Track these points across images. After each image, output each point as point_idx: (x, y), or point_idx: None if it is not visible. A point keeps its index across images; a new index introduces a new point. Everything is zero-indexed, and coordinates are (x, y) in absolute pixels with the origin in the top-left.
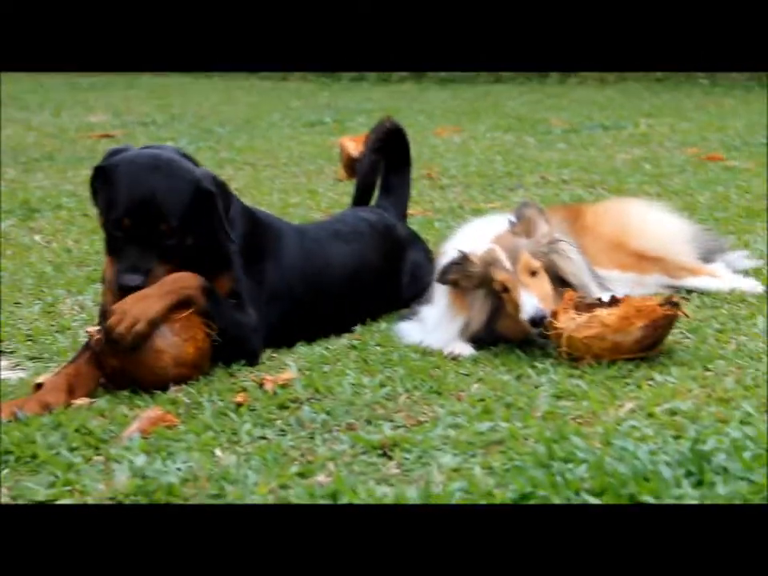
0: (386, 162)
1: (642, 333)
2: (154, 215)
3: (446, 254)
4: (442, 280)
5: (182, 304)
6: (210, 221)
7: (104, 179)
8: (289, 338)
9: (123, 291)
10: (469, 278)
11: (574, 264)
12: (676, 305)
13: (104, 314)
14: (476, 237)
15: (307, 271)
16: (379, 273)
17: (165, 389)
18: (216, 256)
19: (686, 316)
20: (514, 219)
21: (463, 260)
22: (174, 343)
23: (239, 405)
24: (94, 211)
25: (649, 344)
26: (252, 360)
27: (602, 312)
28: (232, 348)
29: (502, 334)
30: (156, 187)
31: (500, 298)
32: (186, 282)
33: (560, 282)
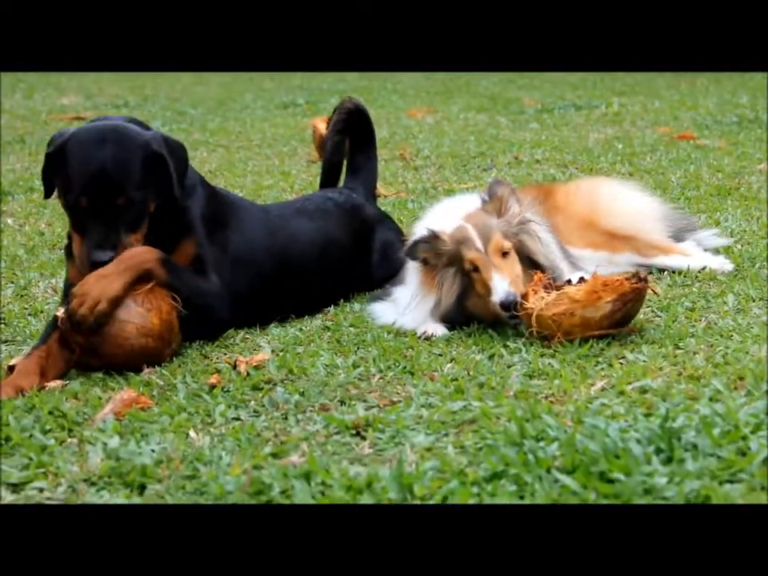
0: (351, 142)
1: (611, 307)
2: (110, 189)
3: (419, 229)
4: (411, 255)
5: (142, 279)
6: (168, 183)
7: (56, 163)
8: (257, 312)
9: (95, 267)
10: (438, 255)
11: (544, 245)
12: (644, 279)
13: (68, 291)
14: (446, 215)
15: (271, 244)
16: (347, 251)
17: (137, 368)
18: (178, 222)
19: (655, 293)
20: (485, 197)
21: (432, 238)
22: (137, 313)
23: (213, 386)
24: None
25: (619, 319)
26: (220, 326)
27: (569, 288)
28: (199, 316)
29: (471, 312)
30: (106, 160)
31: (470, 277)
32: (143, 256)
33: (530, 262)
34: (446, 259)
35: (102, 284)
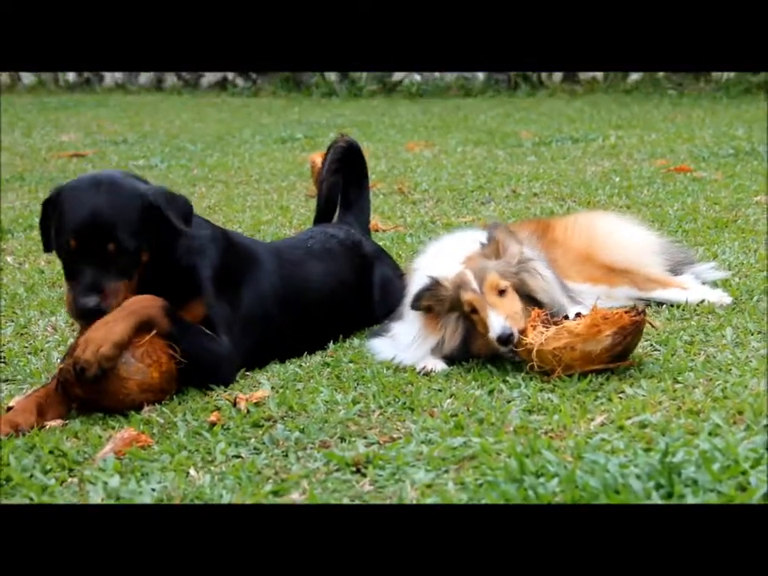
0: (345, 178)
1: (612, 340)
2: (99, 233)
3: (418, 272)
4: (416, 306)
5: (144, 326)
6: (166, 236)
7: (50, 211)
8: (264, 359)
9: (82, 314)
10: (441, 302)
11: (544, 282)
12: (643, 312)
13: (72, 348)
14: (446, 256)
15: (284, 294)
16: (351, 290)
17: (138, 410)
18: (186, 281)
19: (653, 326)
20: (484, 241)
21: (434, 285)
22: (138, 370)
23: (213, 424)
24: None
25: (619, 352)
26: (224, 384)
27: (569, 323)
28: (202, 374)
29: (476, 353)
30: (98, 204)
31: (471, 319)
32: (146, 302)
33: (531, 300)
34: (448, 305)
35: (104, 329)
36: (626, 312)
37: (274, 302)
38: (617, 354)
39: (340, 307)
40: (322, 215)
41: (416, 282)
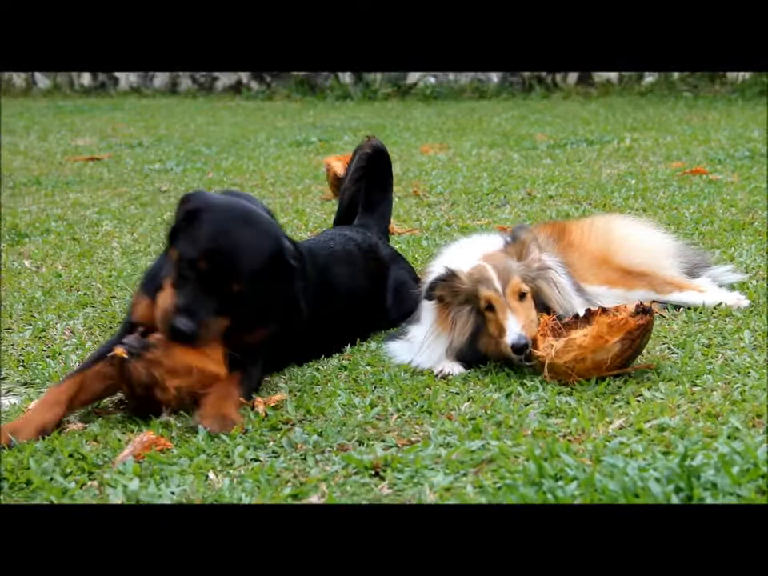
0: (369, 180)
1: (620, 346)
2: (229, 271)
3: (434, 271)
4: (428, 296)
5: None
6: (279, 291)
7: (190, 219)
8: (285, 364)
9: (172, 332)
10: (455, 293)
11: (560, 291)
12: (648, 311)
13: (127, 326)
14: (464, 254)
15: (319, 307)
16: (366, 294)
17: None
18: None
19: (662, 316)
20: (508, 239)
21: (450, 276)
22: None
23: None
24: (167, 243)
25: (630, 355)
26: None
27: (576, 335)
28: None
29: (483, 351)
30: (240, 244)
31: (484, 316)
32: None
33: (544, 308)
34: (462, 297)
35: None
36: (631, 316)
37: (313, 315)
38: (629, 356)
39: (356, 311)
40: (344, 215)
41: (432, 274)
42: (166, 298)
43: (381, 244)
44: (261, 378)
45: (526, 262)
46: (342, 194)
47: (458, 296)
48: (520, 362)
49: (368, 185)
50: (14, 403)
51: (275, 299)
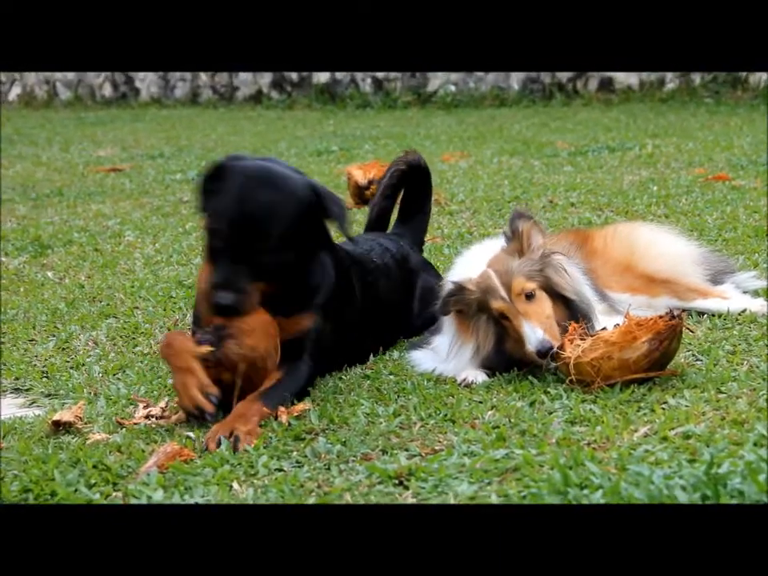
0: (407, 193)
1: (648, 346)
2: (257, 232)
3: (446, 283)
4: (442, 312)
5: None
6: (314, 235)
7: (217, 181)
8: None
9: (218, 309)
10: (468, 305)
11: (569, 277)
12: (678, 316)
13: (197, 321)
14: (474, 262)
15: (360, 313)
16: (398, 303)
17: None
18: (307, 297)
19: (691, 331)
20: (507, 233)
21: (458, 289)
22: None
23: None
24: (195, 213)
25: (657, 358)
26: (306, 392)
27: (604, 332)
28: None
29: (511, 355)
30: (263, 204)
31: (501, 323)
32: (256, 410)
33: (558, 296)
34: (475, 307)
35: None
36: (660, 317)
37: (356, 318)
38: (655, 360)
39: (389, 320)
40: (375, 223)
41: (443, 288)
42: (205, 274)
43: (412, 253)
44: (310, 379)
45: (529, 256)
46: (371, 208)
47: (471, 307)
48: (547, 365)
49: (405, 198)
50: (38, 414)
51: (309, 243)
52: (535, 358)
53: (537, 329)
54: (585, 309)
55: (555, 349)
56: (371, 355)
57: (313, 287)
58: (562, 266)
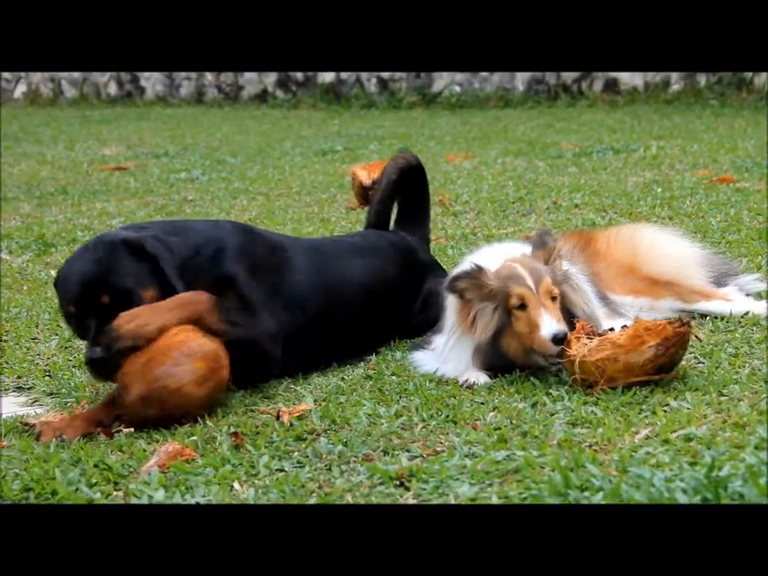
0: (403, 195)
1: (655, 351)
2: (90, 290)
3: (465, 263)
4: (451, 287)
5: (191, 321)
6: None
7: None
8: (305, 353)
9: (92, 366)
10: (479, 288)
11: (585, 297)
12: (687, 323)
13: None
14: (489, 258)
15: (318, 282)
16: (398, 292)
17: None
18: (218, 286)
19: (698, 338)
20: (535, 244)
21: (477, 271)
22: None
23: (236, 446)
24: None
25: (663, 363)
26: (272, 365)
27: (612, 334)
28: (252, 358)
29: (504, 351)
30: (84, 265)
31: (509, 314)
32: (198, 299)
33: (567, 313)
34: (486, 293)
35: (154, 311)
36: (669, 323)
37: (309, 290)
38: (660, 365)
39: (382, 306)
40: (375, 223)
41: (458, 268)
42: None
43: (420, 249)
44: (262, 324)
45: (553, 267)
46: (370, 211)
47: (482, 291)
48: (550, 360)
49: (403, 199)
50: (40, 413)
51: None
52: (545, 346)
53: (554, 318)
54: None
55: (568, 334)
56: (376, 342)
57: (223, 282)
58: (579, 286)
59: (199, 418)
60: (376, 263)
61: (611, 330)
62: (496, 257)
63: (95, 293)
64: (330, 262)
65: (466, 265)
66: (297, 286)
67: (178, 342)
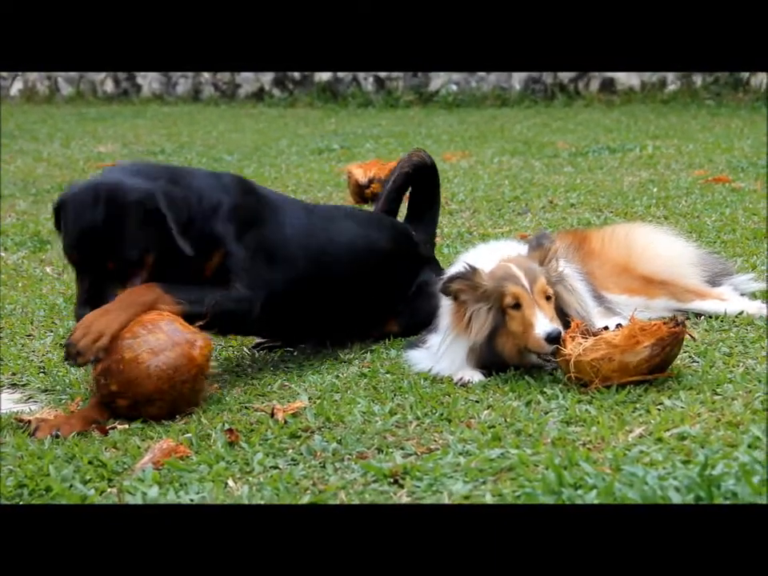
0: (416, 193)
1: (650, 351)
2: (97, 251)
3: (458, 264)
4: (445, 289)
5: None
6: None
7: (59, 218)
8: (295, 315)
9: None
10: (474, 289)
11: (579, 298)
12: (682, 323)
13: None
14: (483, 258)
15: (309, 242)
16: (387, 268)
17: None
18: (205, 240)
19: (693, 338)
20: (532, 245)
21: (471, 272)
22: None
23: (231, 442)
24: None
25: (657, 363)
26: (248, 324)
27: (608, 334)
28: (226, 323)
29: (500, 351)
30: (95, 221)
31: (504, 314)
32: (143, 291)
33: (561, 314)
34: (480, 294)
35: (105, 320)
36: (664, 323)
37: (298, 247)
38: (655, 365)
39: (372, 276)
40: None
41: (454, 269)
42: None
43: (421, 242)
44: (243, 301)
45: (548, 268)
46: (378, 201)
47: (476, 292)
48: (544, 358)
49: (412, 197)
50: (35, 410)
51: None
52: (540, 345)
53: (548, 317)
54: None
55: (563, 333)
56: (361, 314)
57: (211, 235)
58: (574, 287)
59: (194, 415)
60: (370, 232)
61: (605, 328)
62: (490, 256)
63: (103, 256)
64: (324, 221)
65: (459, 265)
66: (287, 242)
67: (146, 319)
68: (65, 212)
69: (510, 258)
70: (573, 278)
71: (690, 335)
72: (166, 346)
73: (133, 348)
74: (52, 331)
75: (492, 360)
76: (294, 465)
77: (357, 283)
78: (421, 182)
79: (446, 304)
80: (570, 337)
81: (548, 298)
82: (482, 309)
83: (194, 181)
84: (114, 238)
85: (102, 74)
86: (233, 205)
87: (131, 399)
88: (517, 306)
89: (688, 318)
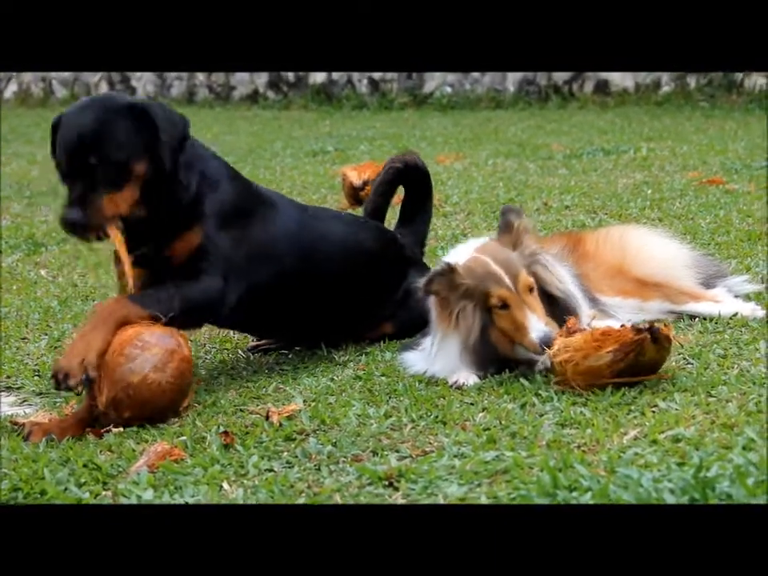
0: (408, 195)
1: (612, 357)
2: (83, 148)
3: (438, 263)
4: (426, 289)
5: (122, 325)
6: (165, 149)
7: (53, 135)
8: (281, 312)
9: (65, 227)
10: (453, 288)
11: (557, 276)
12: (649, 330)
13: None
14: (459, 253)
15: (297, 239)
16: (376, 268)
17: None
18: (190, 210)
19: (680, 344)
20: (501, 227)
21: (448, 270)
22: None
23: (226, 445)
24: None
25: (623, 369)
26: (218, 311)
27: (572, 338)
28: (198, 316)
29: (494, 345)
30: (84, 122)
31: (490, 312)
32: (114, 305)
33: (543, 294)
34: (463, 292)
35: (84, 341)
36: (632, 329)
37: (285, 244)
38: (620, 371)
39: (358, 277)
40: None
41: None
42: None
43: (408, 247)
44: (214, 293)
45: (521, 250)
46: (366, 206)
47: (458, 291)
48: (540, 365)
49: (404, 199)
50: (29, 413)
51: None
52: (536, 348)
53: (540, 320)
54: (572, 307)
55: (555, 336)
56: (350, 315)
57: (193, 198)
58: (550, 264)
59: (189, 418)
60: (359, 233)
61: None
62: (466, 248)
63: (87, 152)
64: (312, 220)
65: (438, 265)
66: (271, 238)
67: (128, 337)
68: (60, 125)
69: (482, 246)
70: (546, 255)
71: (678, 341)
72: (166, 358)
73: (136, 371)
74: (47, 334)
75: (488, 355)
76: (289, 467)
77: (344, 281)
78: (412, 183)
79: (431, 304)
80: (559, 335)
81: (531, 289)
82: (467, 307)
83: (199, 146)
84: (102, 137)
85: (97, 77)
86: (230, 191)
87: (146, 418)
88: (504, 306)
89: (681, 319)
